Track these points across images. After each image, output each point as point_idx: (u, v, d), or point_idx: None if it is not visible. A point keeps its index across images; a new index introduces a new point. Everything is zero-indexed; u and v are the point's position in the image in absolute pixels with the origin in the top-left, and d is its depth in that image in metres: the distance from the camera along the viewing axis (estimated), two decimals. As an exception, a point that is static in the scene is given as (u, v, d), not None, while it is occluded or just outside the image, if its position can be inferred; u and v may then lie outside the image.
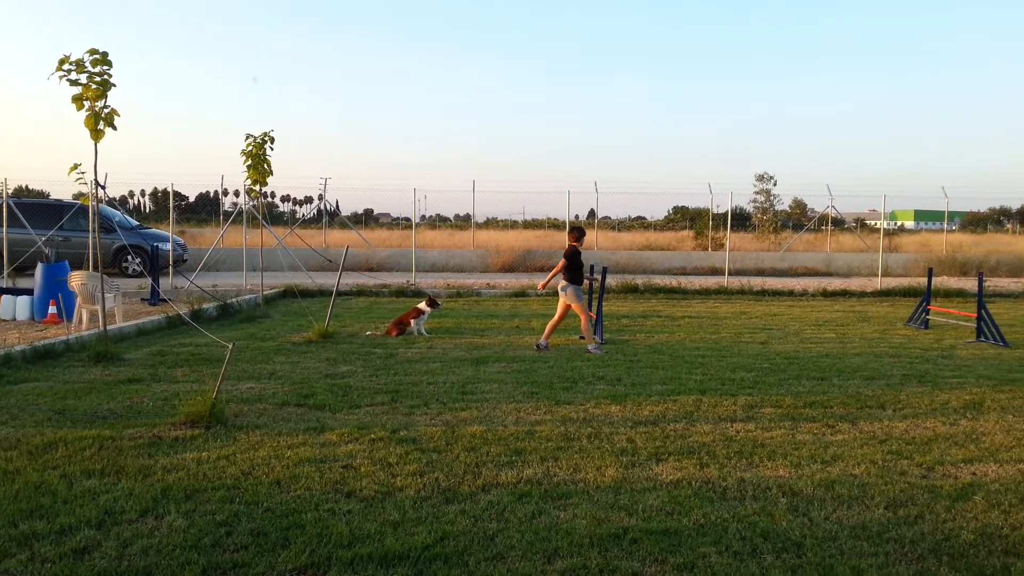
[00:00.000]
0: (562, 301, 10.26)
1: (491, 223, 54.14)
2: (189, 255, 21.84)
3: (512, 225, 54.71)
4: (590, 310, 10.75)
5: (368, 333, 11.33)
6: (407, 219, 37.76)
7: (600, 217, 52.64)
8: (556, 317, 10.41)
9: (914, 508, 4.54)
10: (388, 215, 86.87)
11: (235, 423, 6.17)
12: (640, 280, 19.08)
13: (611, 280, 18.20)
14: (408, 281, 19.24)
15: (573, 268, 10.15)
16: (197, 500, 4.50)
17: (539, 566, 3.71)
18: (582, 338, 10.47)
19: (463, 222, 59.30)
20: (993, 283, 20.51)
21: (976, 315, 11.46)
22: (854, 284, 20.61)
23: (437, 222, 66.39)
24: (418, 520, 4.25)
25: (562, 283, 10.21)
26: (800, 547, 3.98)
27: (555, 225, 48.97)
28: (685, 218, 62.84)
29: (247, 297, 14.73)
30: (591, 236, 35.41)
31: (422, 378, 8.09)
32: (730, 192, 23.41)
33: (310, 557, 3.75)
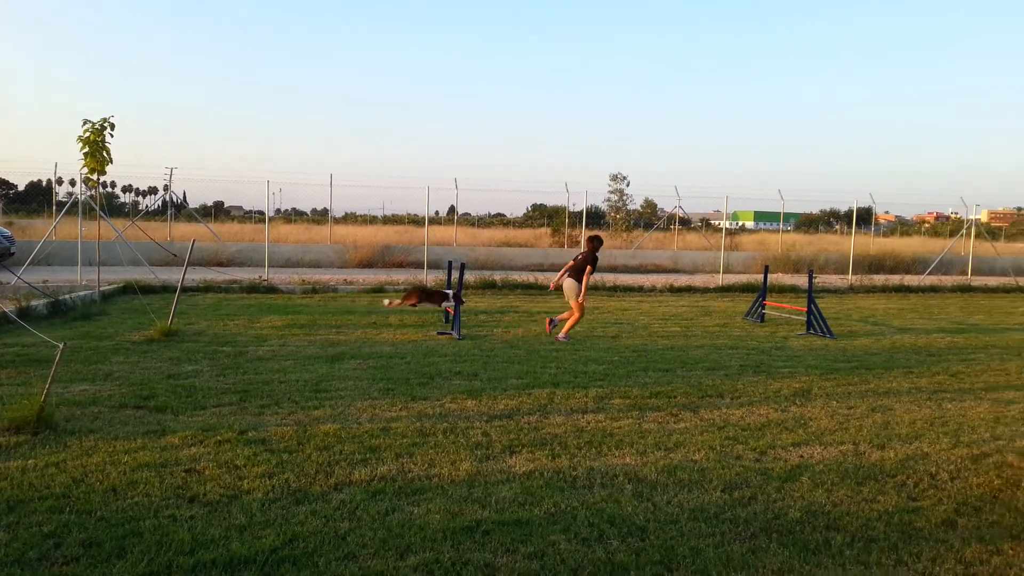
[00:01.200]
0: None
1: (350, 218, 53.15)
2: (17, 248, 20.17)
3: (371, 220, 53.96)
4: (448, 305, 10.79)
5: (386, 302, 12.46)
6: (260, 212, 36.47)
7: (460, 214, 52.81)
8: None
9: (748, 490, 4.84)
10: (240, 208, 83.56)
11: (66, 428, 5.76)
12: (498, 276, 19.30)
13: (470, 276, 18.31)
14: (260, 277, 18.60)
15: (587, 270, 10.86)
16: (21, 511, 4.17)
17: (392, 563, 3.69)
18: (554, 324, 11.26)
19: (321, 216, 57.92)
20: (822, 279, 22.13)
21: (806, 309, 12.33)
22: (698, 280, 21.70)
23: (293, 216, 64.59)
24: (266, 523, 4.12)
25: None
26: (644, 531, 4.16)
27: (415, 221, 48.75)
28: (543, 215, 64.14)
29: (82, 293, 13.76)
30: (450, 232, 35.50)
31: (273, 376, 7.85)
32: (585, 191, 24.15)
33: (148, 566, 3.56)
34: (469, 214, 68.19)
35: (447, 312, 11.83)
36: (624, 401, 7.17)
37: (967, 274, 25.64)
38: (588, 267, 10.76)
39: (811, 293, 12.46)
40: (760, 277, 14.75)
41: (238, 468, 4.99)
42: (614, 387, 7.75)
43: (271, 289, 16.68)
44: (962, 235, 27.43)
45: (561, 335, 10.83)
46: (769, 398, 7.46)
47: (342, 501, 4.47)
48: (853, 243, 23.99)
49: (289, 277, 19.28)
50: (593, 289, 18.79)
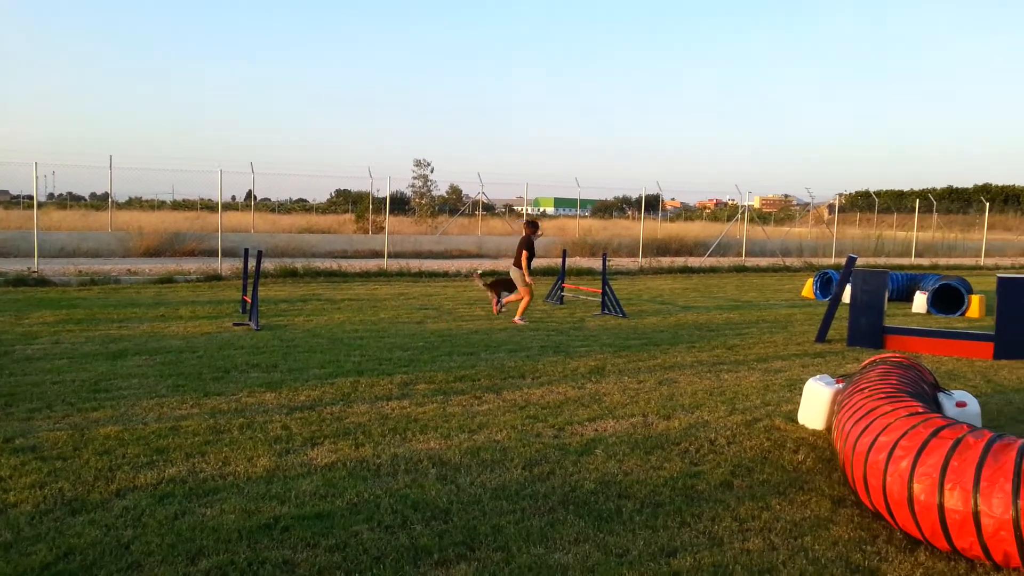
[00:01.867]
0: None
1: (135, 203, 49.30)
2: None
3: (159, 206, 50.44)
4: (245, 294, 10.30)
5: (478, 284, 13.33)
6: (29, 197, 32.98)
7: (260, 199, 50.54)
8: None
9: (547, 466, 5.02)
10: (7, 193, 75.20)
11: None
12: (300, 263, 18.70)
13: (269, 264, 17.61)
14: (30, 268, 16.84)
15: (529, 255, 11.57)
16: None
17: (181, 569, 3.47)
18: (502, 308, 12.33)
19: (100, 201, 53.35)
20: (616, 262, 23.38)
21: (601, 291, 12.95)
22: (502, 265, 22.16)
23: (69, 202, 58.95)
24: (36, 537, 3.74)
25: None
26: (447, 513, 4.19)
27: (209, 206, 46.08)
28: (348, 201, 62.80)
29: None
30: (247, 218, 33.92)
31: (45, 377, 7.14)
32: (389, 177, 23.87)
33: None
34: (269, 199, 65.50)
35: (244, 301, 11.30)
36: (429, 386, 7.19)
37: (742, 255, 28.03)
38: (524, 252, 11.52)
39: (605, 276, 13.10)
40: (559, 261, 15.30)
41: (2, 480, 4.50)
42: (419, 373, 7.75)
43: (42, 281, 15.15)
44: (737, 220, 29.96)
45: (517, 318, 11.57)
46: (567, 377, 7.76)
47: (125, 508, 4.15)
48: (642, 228, 25.50)
49: (64, 268, 17.60)
50: (398, 276, 18.71)
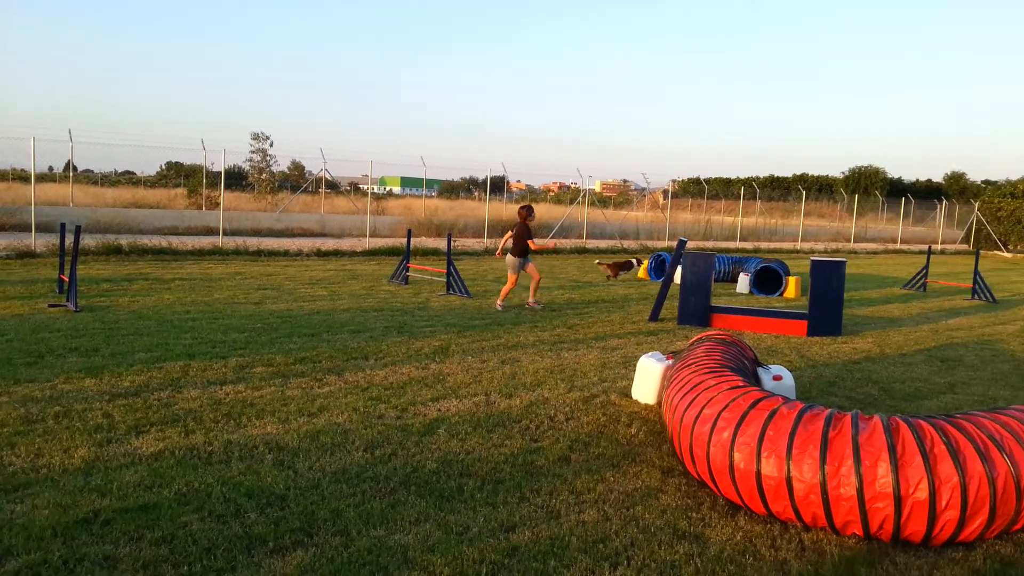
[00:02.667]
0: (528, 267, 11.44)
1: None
2: None
3: (-39, 176, 45.62)
4: (62, 273, 9.52)
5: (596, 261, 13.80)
6: None
7: (80, 170, 46.84)
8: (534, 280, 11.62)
9: (389, 447, 4.98)
10: None
11: None
12: (125, 240, 17.51)
13: (90, 240, 16.39)
14: None
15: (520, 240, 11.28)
16: None
17: (-17, 572, 3.18)
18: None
19: None
20: (461, 243, 23.48)
21: (446, 271, 12.97)
22: (346, 244, 21.75)
23: None
24: None
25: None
26: (284, 499, 4.07)
27: (21, 177, 42.19)
28: (179, 175, 59.31)
29: None
30: (66, 190, 31.34)
31: None
32: (224, 149, 22.66)
33: None
34: (92, 171, 60.80)
35: (61, 280, 10.46)
36: (267, 369, 6.95)
37: (583, 237, 28.88)
38: (527, 240, 11.30)
39: (450, 256, 13.13)
40: (404, 241, 15.17)
41: None
42: (256, 355, 7.47)
43: None
44: (579, 203, 30.79)
45: (531, 300, 11.63)
46: (411, 357, 7.73)
47: (-84, 509, 3.75)
48: (488, 209, 25.74)
49: None
50: (235, 254, 17.93)
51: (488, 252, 21.97)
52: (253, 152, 38.33)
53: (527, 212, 11.61)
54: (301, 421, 5.44)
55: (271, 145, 38.31)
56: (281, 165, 42.37)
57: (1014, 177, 56.39)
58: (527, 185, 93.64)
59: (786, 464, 3.79)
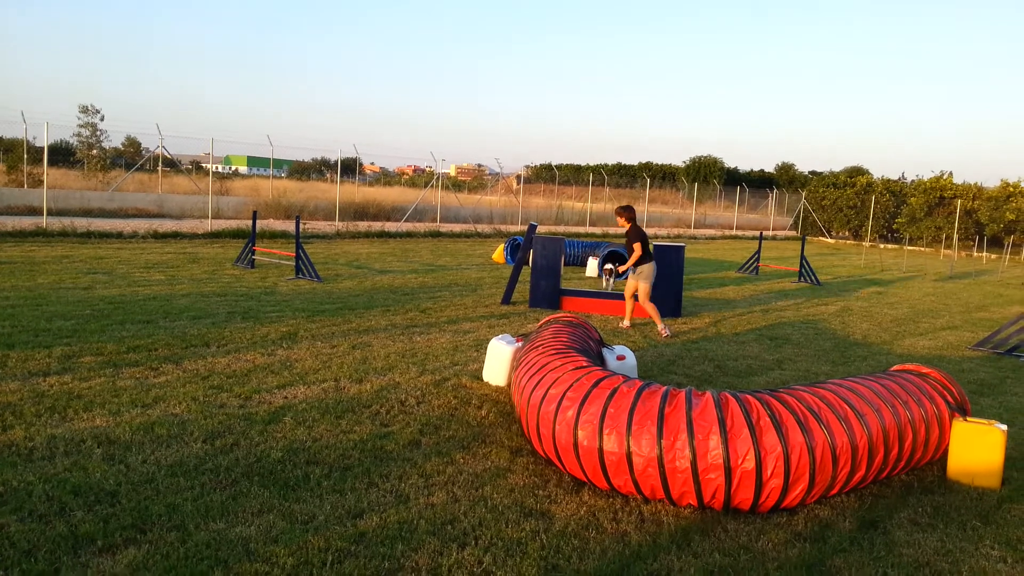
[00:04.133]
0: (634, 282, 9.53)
1: None
2: None
3: None
4: None
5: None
6: None
7: None
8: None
9: (231, 437, 4.79)
10: None
11: None
12: (-69, 220, 15.86)
13: None
14: None
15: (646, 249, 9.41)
16: None
17: None
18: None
19: None
20: (312, 226, 22.86)
21: (295, 255, 12.59)
22: (186, 226, 20.67)
23: None
24: None
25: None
26: (115, 495, 3.84)
27: None
28: (-3, 149, 54.26)
29: None
30: None
31: None
32: (46, 122, 20.80)
33: None
34: None
35: None
36: (96, 358, 6.51)
37: (437, 221, 28.83)
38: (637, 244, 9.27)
39: (299, 239, 12.75)
40: (251, 223, 14.59)
41: None
42: (85, 344, 6.98)
43: None
44: (433, 186, 30.68)
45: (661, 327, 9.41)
46: (257, 343, 7.46)
47: None
48: (339, 191, 25.20)
49: None
50: (61, 236, 16.66)
51: (340, 236, 21.50)
52: (82, 126, 35.58)
53: (630, 213, 9.50)
54: (134, 413, 5.14)
55: (102, 119, 35.67)
56: (114, 141, 39.64)
57: (837, 168, 61.08)
58: (381, 168, 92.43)
59: (626, 440, 3.95)
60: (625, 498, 4.19)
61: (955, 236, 32.76)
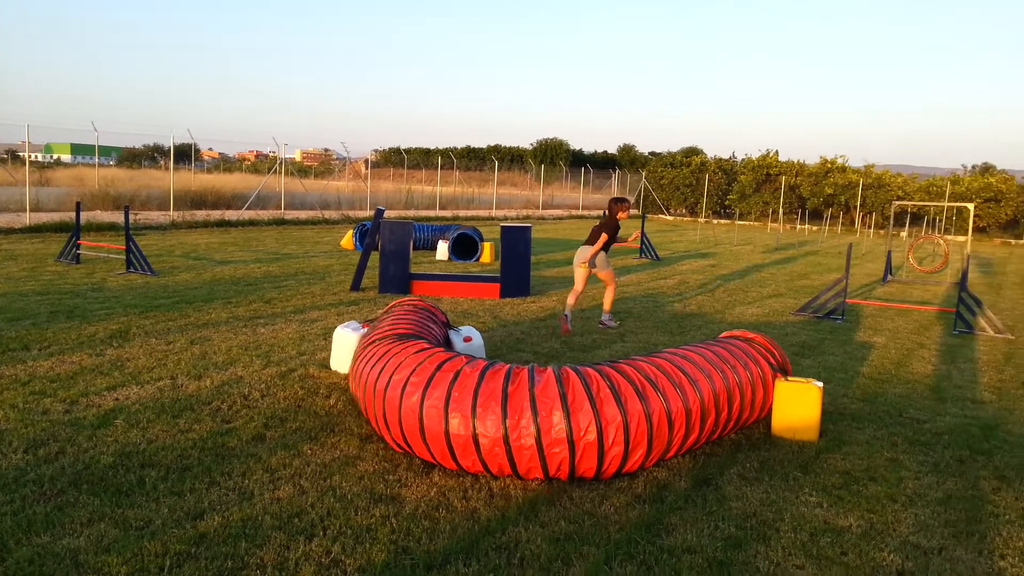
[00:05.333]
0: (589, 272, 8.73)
1: None
2: None
3: None
4: None
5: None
6: None
7: None
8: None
9: (56, 445, 4.48)
10: None
11: None
12: None
13: None
14: None
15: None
16: None
17: None
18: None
19: None
20: (144, 216, 21.56)
21: (125, 247, 11.85)
22: (1, 221, 18.98)
23: None
24: None
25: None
26: (-82, 518, 3.50)
27: None
28: None
29: None
30: None
31: None
32: None
33: None
34: None
35: None
36: None
37: (282, 208, 27.91)
38: (604, 235, 8.57)
39: (128, 230, 12.01)
40: (74, 215, 13.58)
41: None
42: None
43: None
44: (275, 172, 29.65)
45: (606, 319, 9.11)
46: (83, 343, 6.98)
47: None
48: (174, 179, 23.87)
49: None
50: None
51: (176, 226, 20.40)
52: None
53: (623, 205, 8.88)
54: (-59, 426, 4.70)
55: None
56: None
57: (674, 149, 63.89)
58: (221, 153, 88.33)
59: (471, 422, 4.00)
60: (475, 476, 4.25)
61: (780, 210, 35.14)
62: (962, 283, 10.06)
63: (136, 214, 20.97)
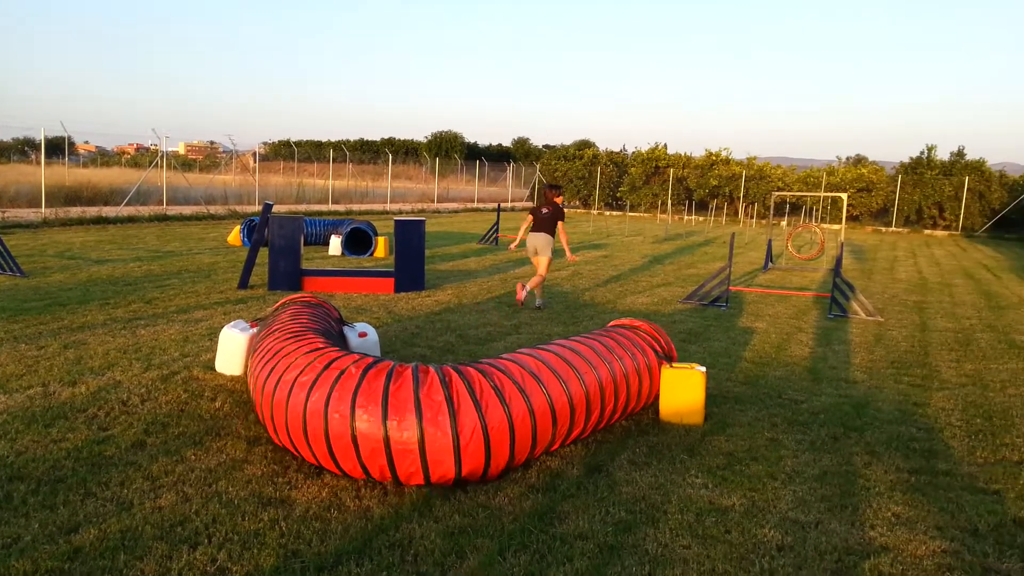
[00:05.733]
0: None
1: None
2: None
3: None
4: None
5: None
6: None
7: None
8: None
9: (-90, 462, 4.15)
10: None
11: None
12: None
13: None
14: None
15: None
16: None
17: None
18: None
19: None
20: (13, 214, 20.25)
21: (-10, 247, 11.08)
22: None
23: None
24: None
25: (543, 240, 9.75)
26: None
27: None
28: None
29: None
30: None
31: None
32: None
33: None
34: None
35: None
36: None
37: (164, 203, 26.77)
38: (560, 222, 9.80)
39: (-5, 229, 11.25)
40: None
41: None
42: None
43: None
44: (157, 166, 28.39)
45: (539, 301, 9.90)
46: (-57, 351, 6.50)
47: None
48: (46, 174, 22.50)
49: None
50: None
51: (48, 224, 19.24)
52: None
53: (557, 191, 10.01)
54: None
55: None
56: None
57: (567, 142, 64.81)
58: (98, 147, 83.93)
59: (351, 423, 3.92)
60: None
61: (669, 202, 36.19)
62: (836, 269, 10.63)
63: (3, 211, 19.69)
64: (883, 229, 34.15)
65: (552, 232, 9.75)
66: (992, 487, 4.45)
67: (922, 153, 36.49)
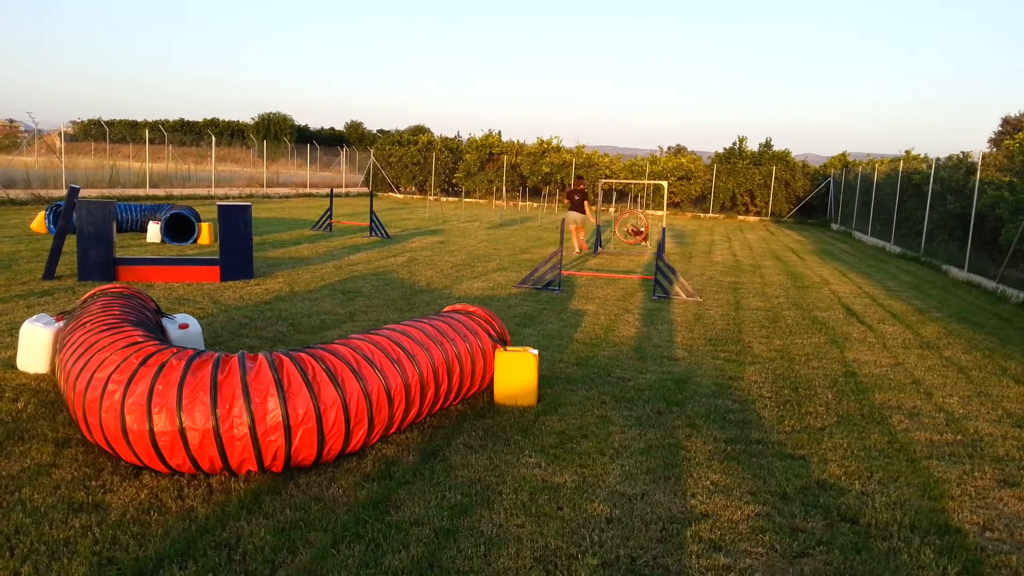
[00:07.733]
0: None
1: None
2: None
3: None
4: None
5: None
6: None
7: None
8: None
9: None
10: None
11: None
12: None
13: None
14: None
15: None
16: None
17: None
18: None
19: None
20: None
21: None
22: None
23: None
24: None
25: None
26: None
27: None
28: None
29: None
30: None
31: None
32: None
33: None
34: None
35: None
36: None
37: (-46, 187, 24.12)
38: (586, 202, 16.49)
39: None
40: None
41: None
42: None
43: None
44: (-56, 145, 25.53)
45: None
46: None
47: None
48: None
49: None
50: None
51: None
52: None
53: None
54: None
55: None
56: None
57: (402, 127, 64.20)
58: None
59: (178, 416, 3.73)
60: (191, 477, 3.99)
61: (504, 188, 36.73)
62: (659, 253, 11.20)
63: None
64: (701, 215, 36.30)
65: (582, 209, 16.26)
66: (798, 453, 4.86)
67: (735, 144, 39.11)
